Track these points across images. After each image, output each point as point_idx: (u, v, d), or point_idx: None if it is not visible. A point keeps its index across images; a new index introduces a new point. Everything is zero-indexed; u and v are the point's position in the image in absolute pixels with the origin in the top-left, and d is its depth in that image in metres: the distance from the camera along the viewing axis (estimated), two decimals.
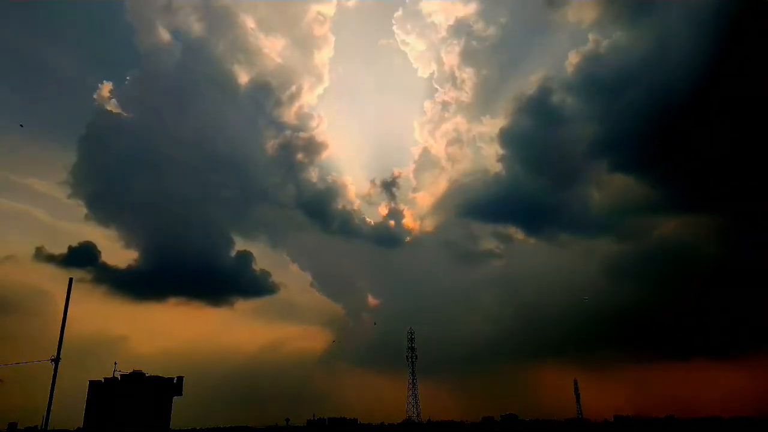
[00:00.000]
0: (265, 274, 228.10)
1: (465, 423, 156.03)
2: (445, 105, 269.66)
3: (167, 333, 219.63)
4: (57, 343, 48.88)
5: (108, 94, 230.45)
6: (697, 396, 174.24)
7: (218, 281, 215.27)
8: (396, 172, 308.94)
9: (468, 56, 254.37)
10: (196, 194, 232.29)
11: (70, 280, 51.12)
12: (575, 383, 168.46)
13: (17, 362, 58.47)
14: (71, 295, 52.15)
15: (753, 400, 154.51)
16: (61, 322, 50.12)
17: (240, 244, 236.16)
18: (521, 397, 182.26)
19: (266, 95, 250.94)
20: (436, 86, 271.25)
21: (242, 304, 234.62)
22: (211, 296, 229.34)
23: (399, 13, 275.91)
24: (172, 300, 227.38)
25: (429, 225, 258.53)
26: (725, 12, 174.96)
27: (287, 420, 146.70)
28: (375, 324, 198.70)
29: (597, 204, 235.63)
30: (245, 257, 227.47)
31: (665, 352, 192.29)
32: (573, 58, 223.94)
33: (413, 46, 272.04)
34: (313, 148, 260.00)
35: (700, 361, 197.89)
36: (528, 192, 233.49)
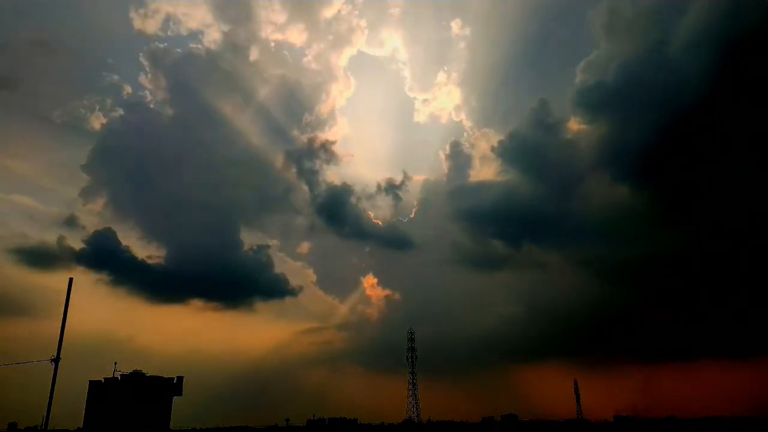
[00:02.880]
0: (279, 276, 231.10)
1: (465, 423, 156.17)
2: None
3: (175, 334, 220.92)
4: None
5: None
6: (696, 396, 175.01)
7: (229, 283, 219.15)
8: (402, 175, 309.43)
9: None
10: (214, 196, 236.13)
11: (70, 280, 50.92)
12: (575, 383, 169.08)
13: (17, 362, 58.26)
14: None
15: (753, 400, 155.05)
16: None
17: (251, 246, 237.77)
18: (521, 397, 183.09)
19: (287, 96, 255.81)
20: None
21: (257, 307, 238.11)
22: (226, 298, 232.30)
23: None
24: (192, 302, 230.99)
25: (433, 228, 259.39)
26: (731, 21, 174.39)
27: (287, 420, 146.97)
28: None
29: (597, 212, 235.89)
30: (259, 261, 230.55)
31: (664, 353, 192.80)
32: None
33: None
34: (329, 149, 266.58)
35: (701, 362, 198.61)
36: (530, 200, 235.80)
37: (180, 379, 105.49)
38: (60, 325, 48.14)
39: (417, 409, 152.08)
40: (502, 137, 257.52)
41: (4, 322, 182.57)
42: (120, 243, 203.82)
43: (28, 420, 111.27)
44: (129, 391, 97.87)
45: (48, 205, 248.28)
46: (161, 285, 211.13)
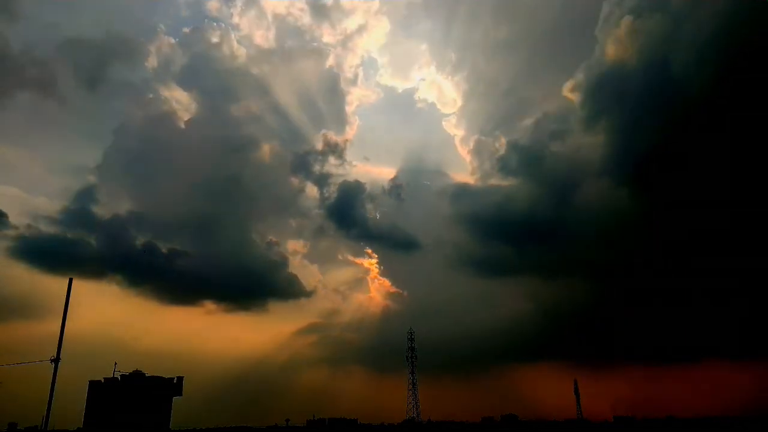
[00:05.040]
0: (286, 277, 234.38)
1: (465, 423, 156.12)
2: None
3: (180, 333, 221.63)
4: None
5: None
6: (697, 397, 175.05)
7: (236, 283, 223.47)
8: (409, 176, 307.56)
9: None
10: (225, 195, 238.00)
11: (70, 280, 51.07)
12: (575, 383, 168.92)
13: (17, 362, 58.40)
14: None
15: (754, 400, 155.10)
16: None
17: (260, 246, 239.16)
18: (521, 397, 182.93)
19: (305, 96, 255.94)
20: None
21: (259, 307, 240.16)
22: (232, 299, 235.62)
23: None
24: (200, 302, 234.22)
25: (437, 229, 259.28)
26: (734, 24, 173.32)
27: (287, 420, 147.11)
28: None
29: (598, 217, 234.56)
30: (267, 262, 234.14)
31: (665, 354, 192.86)
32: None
33: None
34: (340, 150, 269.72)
35: (702, 363, 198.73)
36: (532, 203, 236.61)
37: (180, 379, 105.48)
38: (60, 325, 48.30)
39: (417, 409, 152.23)
40: (505, 140, 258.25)
41: (9, 323, 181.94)
42: (130, 242, 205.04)
43: (28, 420, 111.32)
44: (129, 391, 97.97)
45: (58, 201, 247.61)
46: (170, 285, 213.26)
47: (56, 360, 46.66)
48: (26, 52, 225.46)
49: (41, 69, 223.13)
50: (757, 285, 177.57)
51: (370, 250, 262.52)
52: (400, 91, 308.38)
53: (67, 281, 51.04)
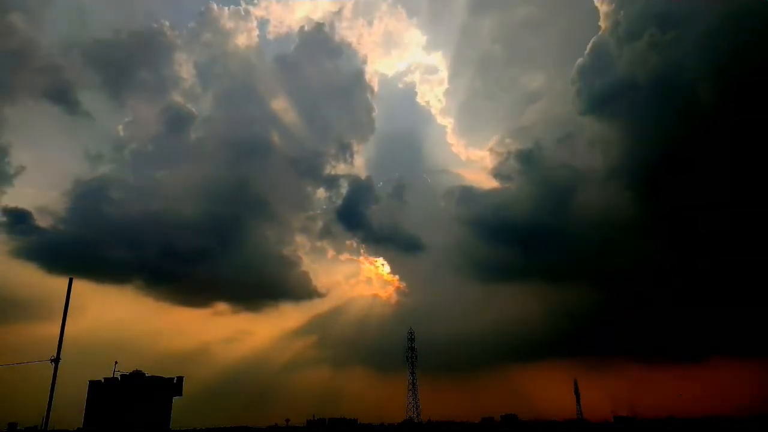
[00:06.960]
0: (289, 278, 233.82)
1: (465, 423, 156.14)
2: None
3: (184, 334, 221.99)
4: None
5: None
6: (698, 396, 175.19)
7: (241, 284, 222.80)
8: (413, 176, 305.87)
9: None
10: (235, 195, 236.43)
11: (70, 280, 50.77)
12: (575, 383, 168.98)
13: (17, 362, 58.21)
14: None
15: (756, 400, 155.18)
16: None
17: (264, 246, 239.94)
18: (521, 397, 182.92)
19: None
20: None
21: (262, 307, 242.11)
22: (236, 299, 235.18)
23: None
24: (208, 304, 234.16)
25: (438, 230, 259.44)
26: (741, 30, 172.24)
27: (287, 420, 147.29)
28: None
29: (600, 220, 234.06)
30: (273, 262, 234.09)
31: (666, 354, 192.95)
32: None
33: None
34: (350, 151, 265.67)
35: (702, 363, 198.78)
36: (533, 207, 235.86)
37: (180, 379, 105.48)
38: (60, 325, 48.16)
39: (417, 408, 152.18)
40: (506, 142, 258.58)
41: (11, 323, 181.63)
42: (141, 243, 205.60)
43: (28, 420, 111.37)
44: (129, 391, 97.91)
45: (68, 201, 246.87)
46: (181, 286, 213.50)
47: (56, 360, 46.47)
48: (41, 52, 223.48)
49: (57, 69, 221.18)
50: (757, 284, 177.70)
51: (374, 249, 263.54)
52: (399, 85, 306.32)
53: (74, 282, 50.53)
